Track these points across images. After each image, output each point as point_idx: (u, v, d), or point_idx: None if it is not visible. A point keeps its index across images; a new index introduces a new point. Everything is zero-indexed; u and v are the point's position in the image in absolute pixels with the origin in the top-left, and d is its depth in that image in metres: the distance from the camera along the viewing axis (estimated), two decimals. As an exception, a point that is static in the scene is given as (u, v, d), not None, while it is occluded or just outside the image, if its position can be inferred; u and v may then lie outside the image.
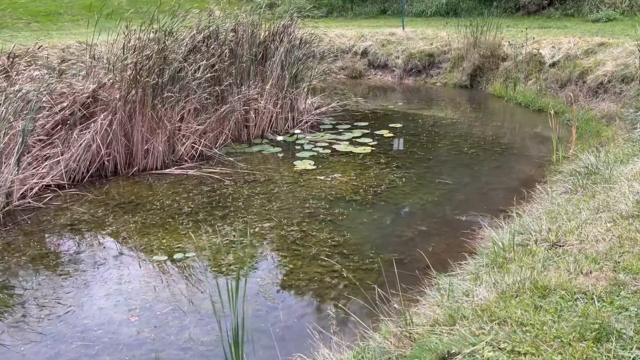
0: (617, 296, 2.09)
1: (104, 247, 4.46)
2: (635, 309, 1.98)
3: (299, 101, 8.39)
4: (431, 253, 4.27)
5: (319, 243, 4.47)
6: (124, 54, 6.06)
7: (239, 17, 7.68)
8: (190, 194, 5.57)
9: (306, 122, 8.32)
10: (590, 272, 2.26)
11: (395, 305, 2.88)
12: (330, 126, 8.33)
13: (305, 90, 8.53)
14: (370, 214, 5.06)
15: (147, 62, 6.12)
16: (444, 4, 15.58)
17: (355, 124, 8.41)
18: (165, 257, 4.25)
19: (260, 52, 7.91)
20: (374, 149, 7.07)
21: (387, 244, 4.50)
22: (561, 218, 3.06)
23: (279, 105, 7.83)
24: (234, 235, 4.61)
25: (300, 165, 6.46)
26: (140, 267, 4.12)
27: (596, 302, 2.04)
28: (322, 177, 6.00)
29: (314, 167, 6.39)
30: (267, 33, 8.10)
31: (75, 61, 6.87)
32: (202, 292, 3.74)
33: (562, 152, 6.23)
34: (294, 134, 7.81)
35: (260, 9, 7.98)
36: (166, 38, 6.33)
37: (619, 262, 2.34)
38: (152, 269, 4.10)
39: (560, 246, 2.70)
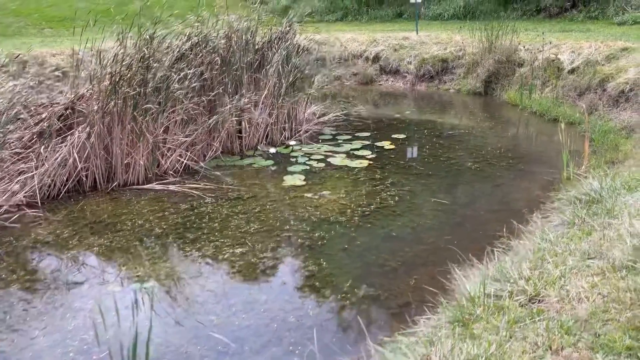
0: (589, 388, 1.64)
1: (59, 274, 4.13)
2: (609, 411, 1.54)
3: (298, 110, 8.01)
4: (412, 288, 3.84)
5: (290, 273, 4.07)
6: (99, 62, 5.76)
7: (233, 23, 7.35)
8: (166, 213, 5.23)
9: (305, 132, 7.94)
10: (562, 349, 1.81)
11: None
12: (330, 137, 7.92)
13: (305, 99, 8.15)
14: (353, 239, 4.64)
15: (126, 71, 5.81)
16: (461, 7, 15.03)
17: (356, 134, 7.99)
18: (120, 288, 3.90)
19: (256, 60, 7.56)
20: (371, 162, 6.64)
21: (366, 275, 4.07)
22: (546, 262, 2.61)
23: (274, 115, 7.46)
24: (199, 264, 4.24)
25: (289, 180, 6.07)
26: (90, 299, 3.78)
27: (560, 398, 1.61)
28: (309, 195, 5.60)
29: (304, 183, 5.99)
30: (264, 40, 7.76)
31: (69, 69, 6.63)
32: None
33: (572, 170, 5.71)
34: (289, 145, 7.43)
35: (257, 15, 7.62)
36: (149, 46, 6.02)
37: (599, 336, 1.88)
38: (103, 301, 3.75)
39: (537, 301, 2.26)
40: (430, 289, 3.41)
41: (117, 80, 5.72)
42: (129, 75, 5.84)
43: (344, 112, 9.08)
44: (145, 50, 5.85)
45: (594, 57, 9.09)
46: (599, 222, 2.94)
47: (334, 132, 8.15)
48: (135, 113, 5.81)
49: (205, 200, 5.50)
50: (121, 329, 3.42)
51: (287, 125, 7.76)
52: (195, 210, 5.27)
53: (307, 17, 17.66)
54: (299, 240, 4.61)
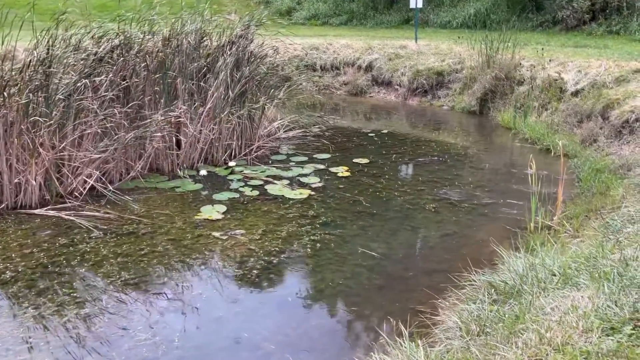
0: None
1: None
2: None
3: (252, 125, 7.08)
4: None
5: (124, 354, 3.13)
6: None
7: (176, 25, 6.49)
8: (36, 249, 4.35)
9: (258, 150, 7.01)
10: None
11: None
12: (285, 156, 6.98)
13: (260, 112, 7.21)
14: (237, 304, 3.69)
15: (17, 76, 4.98)
16: (471, 15, 13.87)
17: (315, 155, 7.02)
18: None
19: (204, 67, 6.67)
20: (312, 193, 5.66)
21: (225, 362, 3.12)
22: None
23: (215, 131, 6.55)
24: (26, 330, 3.34)
25: (206, 212, 5.14)
26: None
27: None
28: (218, 234, 4.67)
29: (221, 216, 5.06)
30: (215, 45, 6.89)
31: None
32: None
33: (542, 219, 4.66)
34: (229, 166, 6.50)
35: (201, 16, 6.74)
36: (50, 47, 5.19)
37: None
38: None
39: None
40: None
41: (2, 86, 4.88)
42: (24, 80, 5.01)
43: (316, 126, 8.14)
44: (36, 52, 5.00)
45: (602, 79, 7.92)
46: (489, 346, 1.94)
47: (291, 152, 7.21)
48: (22, 126, 4.96)
49: (92, 234, 4.62)
50: None
51: (235, 142, 6.84)
52: (72, 248, 4.39)
53: (310, 20, 16.79)
54: (168, 301, 3.68)
